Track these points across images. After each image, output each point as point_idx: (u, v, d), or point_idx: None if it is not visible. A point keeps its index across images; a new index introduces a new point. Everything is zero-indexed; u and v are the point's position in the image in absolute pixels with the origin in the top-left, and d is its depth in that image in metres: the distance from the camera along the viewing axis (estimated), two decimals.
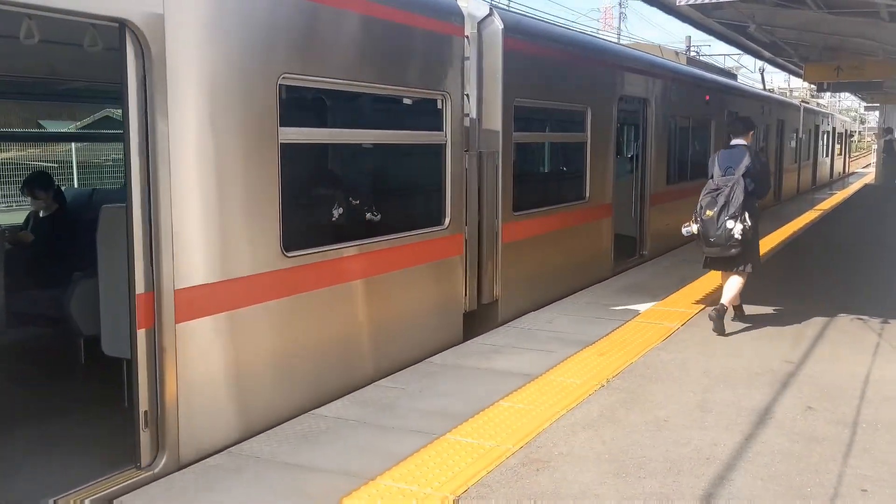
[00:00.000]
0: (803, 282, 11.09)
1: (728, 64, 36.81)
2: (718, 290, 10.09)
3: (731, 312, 8.58)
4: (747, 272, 8.18)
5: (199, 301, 4.98)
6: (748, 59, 39.00)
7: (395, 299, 6.97)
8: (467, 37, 8.54)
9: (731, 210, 7.73)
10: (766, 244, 14.28)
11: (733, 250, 7.85)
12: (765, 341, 7.89)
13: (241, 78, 5.21)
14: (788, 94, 42.22)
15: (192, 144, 4.89)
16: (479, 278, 8.44)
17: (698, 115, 15.85)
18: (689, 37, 46.66)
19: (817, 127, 32.71)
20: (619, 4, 69.45)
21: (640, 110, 12.75)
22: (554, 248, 9.90)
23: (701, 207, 8.01)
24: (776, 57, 21.00)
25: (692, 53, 36.59)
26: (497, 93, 8.54)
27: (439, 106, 7.56)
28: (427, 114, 7.69)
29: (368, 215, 7.00)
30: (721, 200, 7.78)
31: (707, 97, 16.11)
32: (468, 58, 8.56)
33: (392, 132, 7.16)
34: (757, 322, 8.65)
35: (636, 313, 9.00)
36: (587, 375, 6.66)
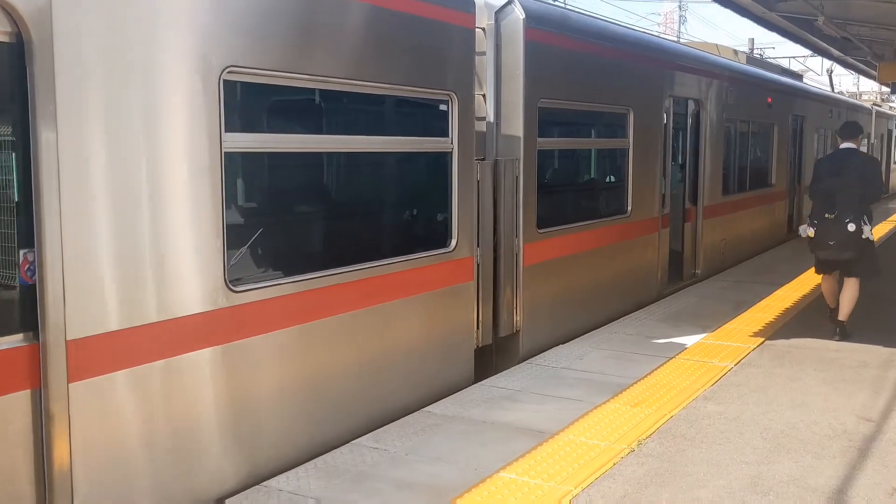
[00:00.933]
0: (883, 308, 9.63)
1: (794, 67, 34.84)
2: (781, 319, 8.73)
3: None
4: (869, 277, 8.14)
5: (105, 353, 3.93)
6: (815, 63, 36.89)
7: (385, 337, 5.85)
8: (483, 28, 7.41)
9: (850, 212, 7.68)
10: None
11: (849, 254, 7.83)
12: (838, 386, 6.55)
13: (165, 71, 4.16)
14: (858, 97, 39.92)
15: (92, 154, 3.85)
16: (495, 307, 7.27)
17: (759, 118, 14.40)
18: (752, 39, 44.77)
19: (890, 132, 30.63)
20: (679, 7, 67.45)
21: (693, 113, 11.42)
22: (588, 269, 8.67)
23: (816, 210, 8.04)
24: (846, 56, 19.32)
25: (756, 55, 34.73)
26: (518, 92, 7.38)
27: (444, 108, 6.44)
28: (428, 117, 6.57)
29: (348, 238, 5.89)
30: (838, 203, 7.75)
31: (769, 99, 14.65)
32: (483, 52, 7.43)
33: (380, 138, 6.03)
34: (829, 357, 7.31)
35: (682, 348, 7.72)
36: (615, 435, 5.43)
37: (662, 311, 9.42)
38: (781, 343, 7.91)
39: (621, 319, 9.02)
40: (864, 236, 7.70)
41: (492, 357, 7.44)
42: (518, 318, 7.51)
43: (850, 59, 20.05)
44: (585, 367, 7.07)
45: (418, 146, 6.38)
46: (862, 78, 50.00)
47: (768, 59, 27.71)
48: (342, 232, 5.95)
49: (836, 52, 19.45)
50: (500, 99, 7.41)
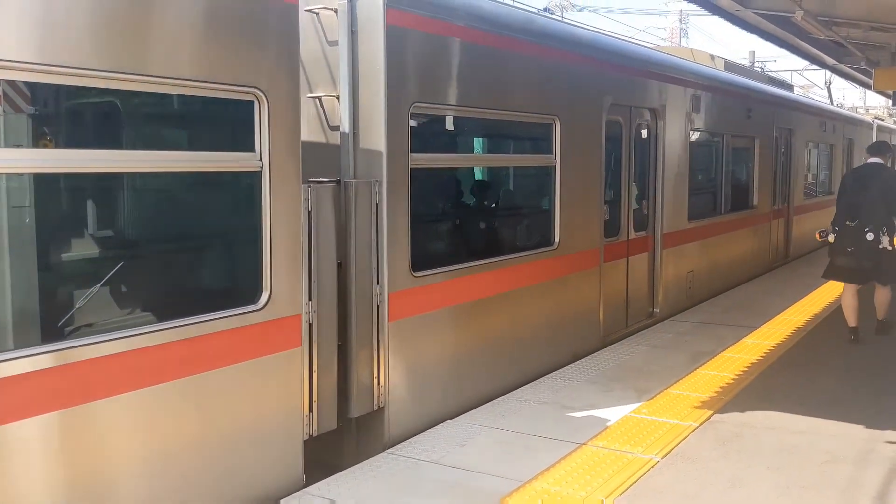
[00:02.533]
0: (860, 376, 7.81)
1: (797, 81, 33.04)
2: (741, 379, 6.97)
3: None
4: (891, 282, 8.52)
5: None
6: (818, 78, 35.10)
7: (134, 438, 4.08)
8: (335, 10, 5.68)
9: (871, 223, 8.06)
10: (818, 301, 10.96)
11: (868, 263, 8.20)
12: (796, 495, 4.74)
13: None
14: (865, 111, 38.09)
15: None
16: (347, 378, 5.48)
17: (736, 131, 12.62)
18: (753, 52, 43.09)
19: (894, 147, 28.82)
20: (680, 20, 65.95)
21: (647, 124, 9.66)
22: (496, 319, 6.87)
23: (839, 217, 8.41)
24: (839, 63, 17.56)
25: (756, 69, 32.99)
26: (379, 94, 5.63)
27: (249, 113, 4.68)
28: (222, 124, 4.83)
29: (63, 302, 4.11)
30: (861, 213, 8.13)
31: (749, 109, 12.88)
32: (336, 42, 5.70)
33: (125, 154, 4.28)
34: (790, 445, 5.49)
35: (604, 425, 5.92)
36: None
37: (598, 366, 7.61)
38: (732, 419, 6.09)
39: (544, 378, 7.21)
40: (881, 246, 8.01)
41: (343, 444, 5.66)
42: (381, 391, 5.72)
43: (844, 68, 18.28)
44: (461, 461, 5.27)
45: (207, 164, 4.60)
46: (868, 92, 48.30)
47: (760, 69, 25.95)
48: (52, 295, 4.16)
49: (829, 60, 17.70)
50: (356, 102, 5.67)
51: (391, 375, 5.75)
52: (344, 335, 5.45)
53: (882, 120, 29.43)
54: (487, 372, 6.79)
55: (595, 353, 8.08)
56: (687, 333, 9.03)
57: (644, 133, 9.69)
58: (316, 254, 5.13)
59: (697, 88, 10.90)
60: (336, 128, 5.78)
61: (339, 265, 5.41)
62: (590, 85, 8.20)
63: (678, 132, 10.28)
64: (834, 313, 9.99)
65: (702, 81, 11.16)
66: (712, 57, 14.13)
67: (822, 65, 18.53)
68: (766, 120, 13.86)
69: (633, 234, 9.34)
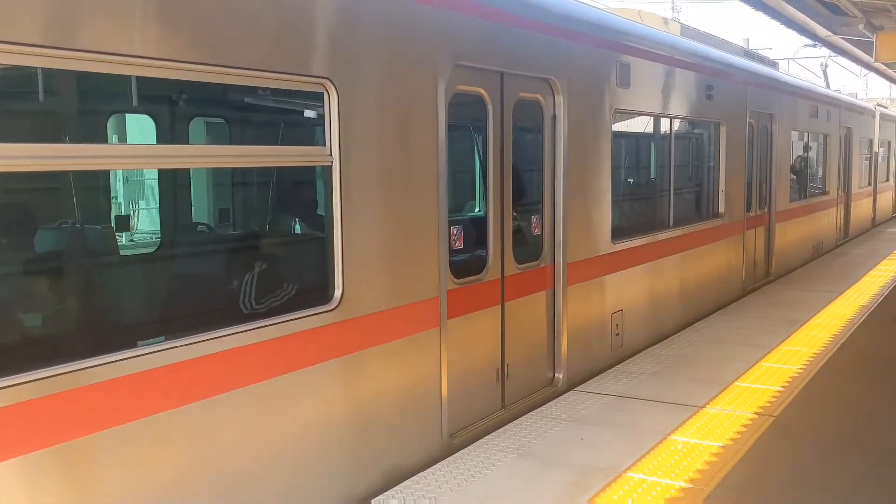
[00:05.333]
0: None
1: (794, 70, 29.68)
2: None
3: None
4: None
5: None
6: (815, 66, 31.72)
7: None
8: None
9: None
10: (799, 353, 7.76)
11: None
12: None
13: None
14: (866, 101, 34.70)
15: None
16: None
17: (691, 113, 9.46)
18: (748, 39, 39.77)
19: None
20: (672, 8, 62.77)
21: (535, 101, 6.50)
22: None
23: None
24: (833, 34, 14.40)
25: (734, 43, 29.65)
26: None
27: None
28: None
29: None
30: None
31: (710, 87, 9.71)
32: None
33: None
34: None
35: None
36: None
37: None
38: None
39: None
40: None
41: None
42: None
43: (839, 40, 15.12)
44: None
45: None
46: (871, 79, 44.86)
47: (758, 51, 22.65)
48: None
49: (822, 31, 14.54)
50: None
51: None
52: None
53: (885, 107, 26.22)
54: None
55: (405, 484, 4.92)
56: (588, 422, 5.88)
57: (535, 116, 6.54)
58: None
59: (628, 54, 7.75)
60: None
61: None
62: (410, 35, 5.02)
63: (593, 115, 7.13)
64: (823, 378, 6.85)
65: (636, 44, 8.00)
66: (666, 21, 10.94)
67: (814, 37, 15.40)
68: (736, 101, 10.68)
69: (512, 269, 6.18)
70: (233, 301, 4.29)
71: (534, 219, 6.56)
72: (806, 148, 15.13)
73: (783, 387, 6.66)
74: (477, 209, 5.88)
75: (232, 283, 4.38)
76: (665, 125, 8.93)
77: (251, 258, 4.70)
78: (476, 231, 5.94)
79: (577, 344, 6.98)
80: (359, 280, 4.51)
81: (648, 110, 8.30)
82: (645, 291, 8.30)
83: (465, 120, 6.06)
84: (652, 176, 9.31)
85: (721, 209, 10.34)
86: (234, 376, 3.84)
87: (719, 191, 10.32)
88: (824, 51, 27.95)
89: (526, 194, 6.50)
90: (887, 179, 23.90)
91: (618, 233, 7.76)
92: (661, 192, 8.99)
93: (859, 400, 6.52)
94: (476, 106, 5.79)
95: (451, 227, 5.54)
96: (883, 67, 19.02)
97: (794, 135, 14.41)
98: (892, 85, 41.36)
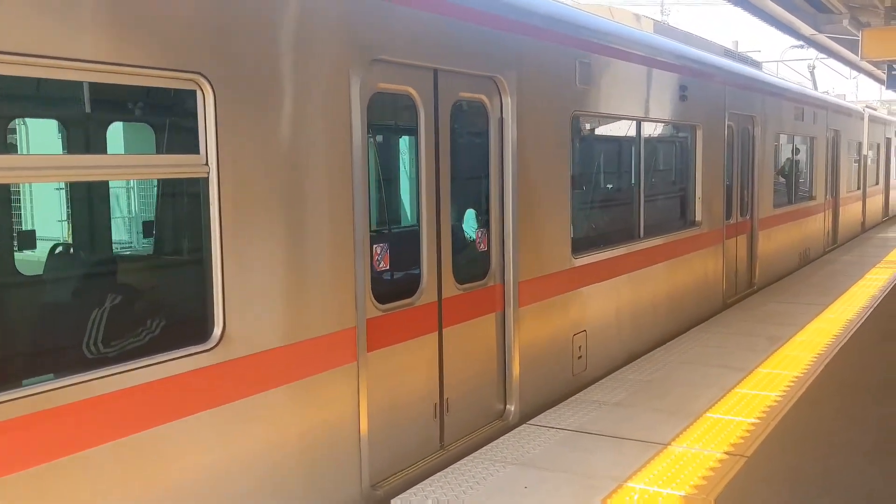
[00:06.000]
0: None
1: (782, 73, 29.05)
2: None
3: None
4: None
5: None
6: (803, 68, 31.12)
7: None
8: None
9: None
10: (780, 376, 7.07)
11: None
12: None
13: None
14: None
15: None
16: None
17: (664, 115, 8.80)
18: (737, 42, 39.25)
19: (889, 140, 25.02)
20: (661, 12, 62.25)
21: (479, 101, 5.82)
22: None
23: None
24: (818, 33, 13.78)
25: (713, 42, 29.04)
26: None
27: None
28: None
29: None
30: None
31: (684, 87, 9.05)
32: None
33: None
34: None
35: None
36: None
37: None
38: None
39: None
40: None
41: None
42: None
43: (825, 39, 14.50)
44: None
45: None
46: (860, 80, 44.30)
47: (748, 55, 22.01)
48: None
49: (807, 29, 13.92)
50: None
51: None
52: None
53: (874, 109, 25.65)
54: None
55: None
56: (536, 465, 5.18)
57: (479, 118, 5.86)
58: None
59: (590, 51, 7.08)
60: None
61: None
62: (312, 23, 4.32)
63: (548, 118, 6.46)
64: (801, 409, 6.17)
65: (599, 41, 7.33)
66: (638, 17, 10.28)
67: (799, 36, 14.77)
68: (714, 103, 10.03)
69: (452, 290, 5.49)
70: (73, 343, 3.58)
71: (479, 233, 5.88)
72: (794, 151, 14.51)
73: (758, 419, 5.99)
74: (400, 217, 5.19)
75: (72, 320, 3.68)
76: (634, 128, 8.26)
77: (102, 289, 3.99)
78: (409, 248, 5.26)
79: (531, 371, 6.29)
80: (246, 313, 3.81)
81: (614, 113, 7.63)
82: (612, 309, 7.62)
83: (394, 122, 5.38)
84: (619, 183, 8.66)
85: (698, 217, 9.68)
86: (66, 439, 3.13)
87: (696, 198, 9.66)
88: (812, 52, 27.46)
89: (469, 206, 5.83)
90: (877, 183, 23.30)
91: (580, 246, 7.09)
92: (629, 200, 8.32)
93: (839, 436, 5.85)
94: (406, 107, 5.11)
95: (376, 245, 4.86)
96: (870, 68, 18.44)
97: (783, 138, 13.81)
98: (882, 87, 40.88)
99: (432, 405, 5.30)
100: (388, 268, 4.92)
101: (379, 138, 5.91)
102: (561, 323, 6.76)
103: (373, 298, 4.70)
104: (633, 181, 8.38)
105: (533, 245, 6.29)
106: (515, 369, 6.06)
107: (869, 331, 8.92)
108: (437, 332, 5.34)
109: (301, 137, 4.17)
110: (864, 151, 20.89)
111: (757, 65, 14.09)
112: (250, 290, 3.86)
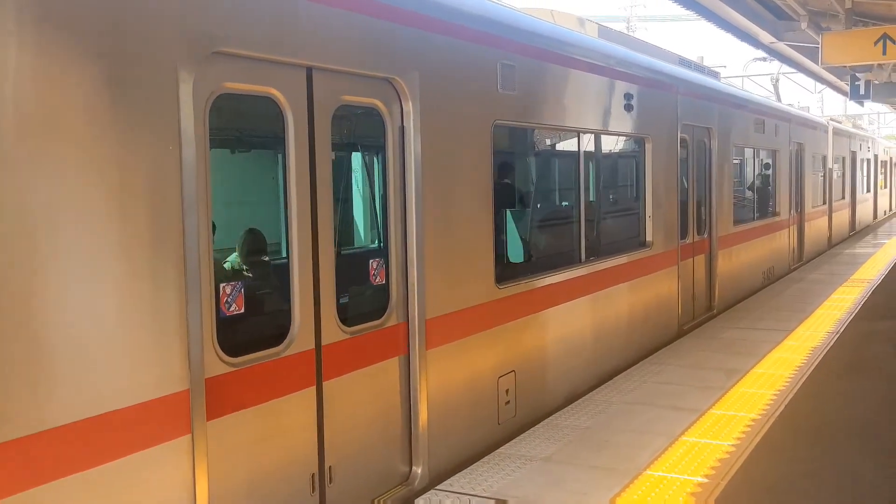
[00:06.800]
0: None
1: (748, 88, 28.50)
2: None
3: None
4: None
5: None
6: (767, 83, 30.67)
7: None
8: None
9: None
10: (759, 393, 6.19)
11: None
12: None
13: None
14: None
15: None
16: None
17: (606, 126, 7.96)
18: (702, 57, 38.94)
19: (854, 154, 24.52)
20: (627, 26, 62.16)
21: (376, 108, 4.92)
22: None
23: None
24: (778, 41, 13.11)
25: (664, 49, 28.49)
26: None
27: None
28: None
29: None
30: None
31: (630, 96, 8.23)
32: None
33: None
34: None
35: None
36: None
37: None
38: None
39: None
40: None
41: None
42: None
43: (784, 47, 13.84)
44: None
45: None
46: (826, 95, 44.20)
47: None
48: None
49: (766, 37, 13.24)
50: None
51: None
52: None
53: (839, 122, 25.18)
54: None
55: None
56: None
57: (373, 127, 4.96)
58: None
59: (515, 52, 6.22)
60: None
61: None
62: (113, 5, 3.39)
63: (462, 127, 5.57)
64: (756, 460, 5.28)
65: (526, 42, 6.48)
66: (581, 21, 9.47)
67: (759, 44, 14.09)
68: (664, 113, 9.23)
69: (335, 333, 4.54)
70: None
71: (374, 263, 4.95)
72: (756, 165, 13.81)
73: (707, 476, 5.10)
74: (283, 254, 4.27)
75: None
76: (573, 141, 7.41)
77: None
78: (277, 285, 4.33)
79: (445, 423, 5.37)
80: (14, 385, 2.85)
81: (544, 122, 6.76)
82: (548, 344, 6.73)
83: (254, 131, 4.47)
84: (557, 201, 7.81)
85: (648, 237, 8.84)
86: None
87: (646, 216, 8.83)
88: (775, 66, 27.03)
89: (360, 231, 4.92)
90: (843, 198, 22.75)
91: (507, 273, 6.20)
92: (568, 220, 7.46)
93: (796, 494, 4.97)
94: (271, 112, 4.19)
95: (226, 284, 3.92)
96: (832, 78, 17.86)
97: (744, 152, 13.08)
98: (847, 101, 40.76)
99: (309, 477, 4.34)
100: (242, 310, 3.97)
101: (237, 151, 4.97)
102: (483, 364, 5.85)
103: (218, 350, 3.76)
104: (573, 199, 7.52)
105: (446, 275, 5.38)
106: (423, 423, 5.13)
107: (833, 361, 8.11)
108: (314, 387, 4.39)
109: (96, 149, 3.21)
110: (830, 165, 20.32)
111: (715, 74, 13.37)
112: (14, 355, 2.89)
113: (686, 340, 9.33)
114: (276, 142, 4.35)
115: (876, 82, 15.20)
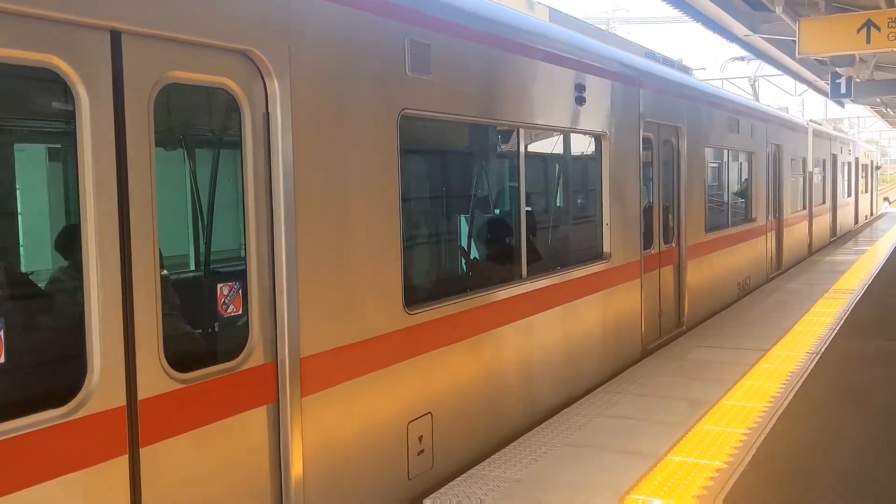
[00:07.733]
0: None
1: (728, 90, 27.63)
2: None
3: None
4: None
5: None
6: (745, 85, 29.83)
7: None
8: None
9: None
10: (727, 432, 5.14)
11: None
12: None
13: None
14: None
15: None
16: None
17: (553, 121, 6.91)
18: (681, 59, 38.16)
19: (835, 157, 23.65)
20: (608, 28, 61.44)
21: (233, 97, 3.85)
22: None
23: None
24: (753, 31, 12.14)
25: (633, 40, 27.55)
26: None
27: None
28: None
29: None
30: None
31: (582, 87, 7.19)
32: None
33: None
34: None
35: None
36: None
37: None
38: None
39: None
40: None
41: None
42: None
43: (759, 40, 12.88)
44: None
45: None
46: (807, 97, 43.46)
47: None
48: None
49: (741, 29, 12.28)
50: None
51: None
52: None
53: (819, 124, 24.32)
54: None
55: None
56: None
57: (221, 113, 3.89)
58: None
59: (429, 28, 5.16)
60: None
61: None
62: None
63: (360, 115, 4.50)
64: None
65: (447, 16, 5.41)
66: (531, 4, 8.43)
67: (733, 37, 13.12)
68: (624, 108, 8.20)
69: (161, 383, 3.45)
70: None
71: (224, 288, 3.86)
72: (731, 168, 12.83)
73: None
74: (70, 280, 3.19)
75: None
76: (509, 138, 6.36)
77: None
78: (66, 324, 3.24)
79: (331, 486, 4.28)
80: None
81: (470, 114, 5.69)
82: (474, 380, 5.66)
83: (32, 116, 3.39)
84: (491, 208, 6.75)
85: (605, 248, 7.79)
86: None
87: (602, 224, 7.79)
88: (753, 66, 26.20)
89: (204, 249, 3.83)
90: (824, 202, 21.86)
91: (420, 295, 5.14)
92: (505, 231, 6.40)
93: None
94: (55, 91, 3.11)
95: None
96: (812, 77, 16.95)
97: (715, 153, 12.10)
98: (828, 103, 40.02)
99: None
100: (2, 360, 2.88)
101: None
102: (387, 408, 4.77)
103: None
104: (511, 206, 6.46)
105: (331, 301, 4.30)
106: (295, 491, 4.04)
107: (813, 389, 7.09)
108: (126, 456, 3.30)
109: None
110: (810, 168, 19.42)
111: (685, 70, 12.38)
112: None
113: (650, 362, 8.29)
114: (64, 135, 3.26)
115: (857, 79, 14.29)
